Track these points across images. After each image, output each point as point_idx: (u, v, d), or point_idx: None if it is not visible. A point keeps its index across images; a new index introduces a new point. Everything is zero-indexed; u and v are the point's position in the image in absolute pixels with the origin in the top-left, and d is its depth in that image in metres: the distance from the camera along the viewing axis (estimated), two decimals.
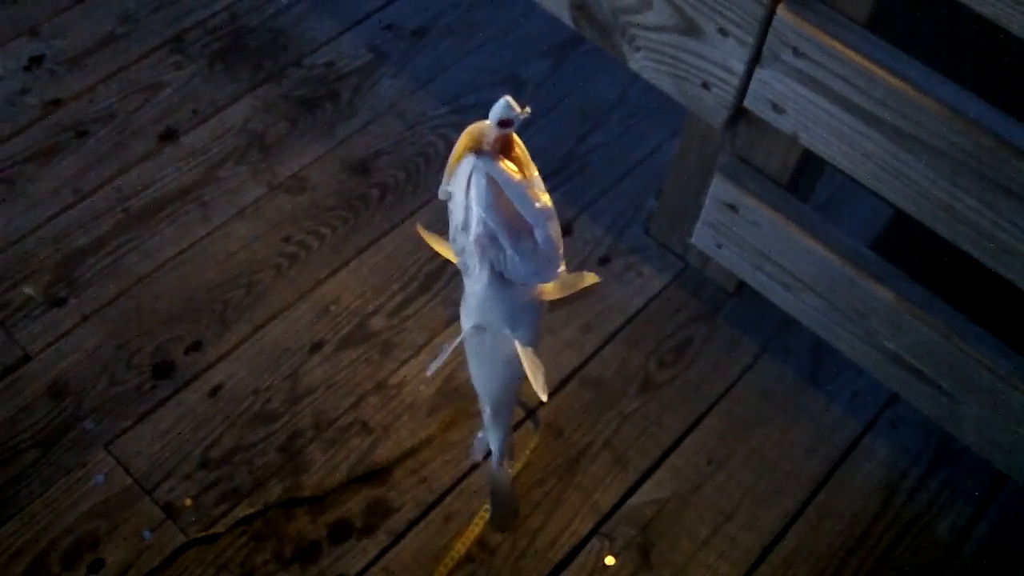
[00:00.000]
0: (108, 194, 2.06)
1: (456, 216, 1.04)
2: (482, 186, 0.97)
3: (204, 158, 2.13)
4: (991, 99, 1.48)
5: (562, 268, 1.11)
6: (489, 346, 1.24)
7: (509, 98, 0.94)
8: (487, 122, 0.95)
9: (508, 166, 0.97)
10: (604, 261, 2.04)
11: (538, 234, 1.03)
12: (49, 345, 1.86)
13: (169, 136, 2.15)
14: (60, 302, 1.91)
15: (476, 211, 0.99)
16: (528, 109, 0.96)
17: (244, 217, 2.05)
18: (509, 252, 1.04)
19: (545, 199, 1.02)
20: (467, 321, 1.21)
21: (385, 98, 2.26)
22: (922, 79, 1.49)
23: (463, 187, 0.99)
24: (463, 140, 0.97)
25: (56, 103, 2.18)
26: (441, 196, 1.03)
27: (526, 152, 1.00)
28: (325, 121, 2.21)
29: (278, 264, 1.99)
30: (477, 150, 0.95)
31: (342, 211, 2.08)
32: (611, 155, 2.20)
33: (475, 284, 1.11)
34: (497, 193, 0.97)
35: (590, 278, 1.15)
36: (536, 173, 1.00)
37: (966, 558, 1.77)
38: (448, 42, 2.36)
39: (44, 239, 1.99)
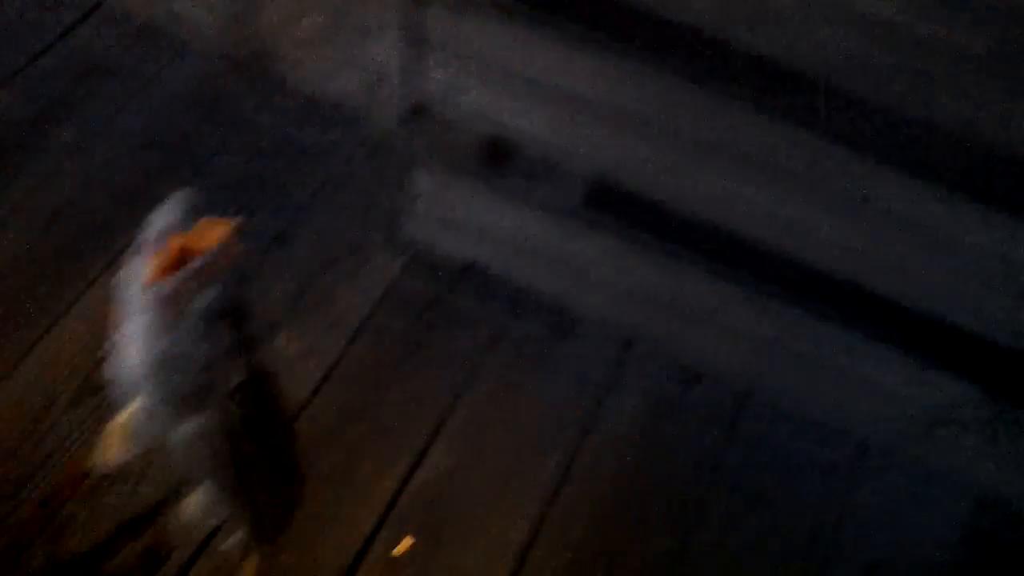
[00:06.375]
0: None
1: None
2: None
3: None
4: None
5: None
6: None
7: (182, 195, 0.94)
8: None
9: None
10: (330, 264, 2.05)
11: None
12: None
13: None
14: None
15: None
16: None
17: None
18: None
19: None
20: None
21: (62, 148, 2.17)
22: (572, 44, 1.61)
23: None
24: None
25: None
26: None
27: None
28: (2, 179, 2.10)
29: None
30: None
31: (46, 265, 1.98)
32: (308, 169, 2.21)
33: None
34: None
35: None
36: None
37: (730, 469, 1.90)
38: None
39: None
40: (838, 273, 1.70)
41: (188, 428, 1.08)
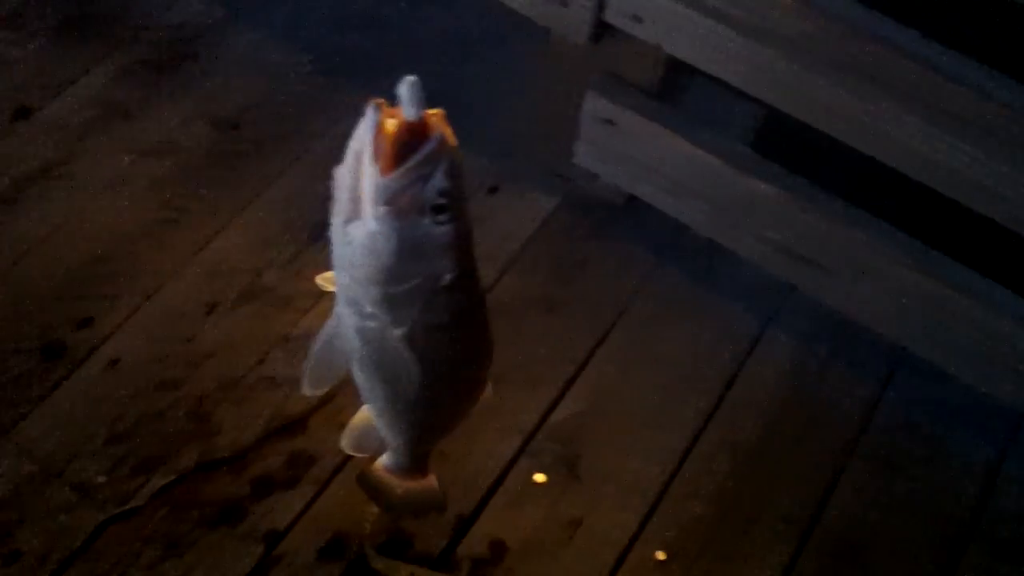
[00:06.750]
0: None
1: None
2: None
3: (63, 133, 2.03)
4: None
5: None
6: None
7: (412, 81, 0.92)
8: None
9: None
10: (493, 191, 2.04)
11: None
12: None
13: (22, 114, 2.04)
14: None
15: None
16: None
17: (115, 187, 1.97)
18: None
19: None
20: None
21: (245, 52, 2.20)
22: None
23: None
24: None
25: None
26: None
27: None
28: (186, 81, 2.14)
29: (159, 230, 1.92)
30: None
31: (218, 169, 2.02)
32: (483, 86, 2.19)
33: None
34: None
35: None
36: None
37: (877, 430, 1.86)
38: None
39: None
40: (1016, 238, 1.62)
41: (391, 335, 1.05)
